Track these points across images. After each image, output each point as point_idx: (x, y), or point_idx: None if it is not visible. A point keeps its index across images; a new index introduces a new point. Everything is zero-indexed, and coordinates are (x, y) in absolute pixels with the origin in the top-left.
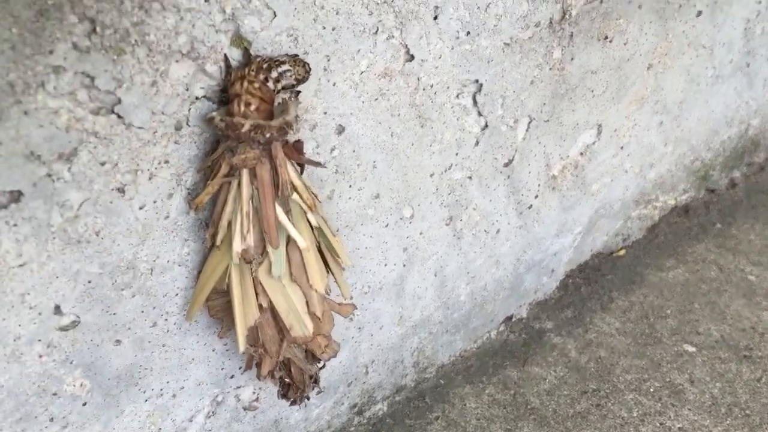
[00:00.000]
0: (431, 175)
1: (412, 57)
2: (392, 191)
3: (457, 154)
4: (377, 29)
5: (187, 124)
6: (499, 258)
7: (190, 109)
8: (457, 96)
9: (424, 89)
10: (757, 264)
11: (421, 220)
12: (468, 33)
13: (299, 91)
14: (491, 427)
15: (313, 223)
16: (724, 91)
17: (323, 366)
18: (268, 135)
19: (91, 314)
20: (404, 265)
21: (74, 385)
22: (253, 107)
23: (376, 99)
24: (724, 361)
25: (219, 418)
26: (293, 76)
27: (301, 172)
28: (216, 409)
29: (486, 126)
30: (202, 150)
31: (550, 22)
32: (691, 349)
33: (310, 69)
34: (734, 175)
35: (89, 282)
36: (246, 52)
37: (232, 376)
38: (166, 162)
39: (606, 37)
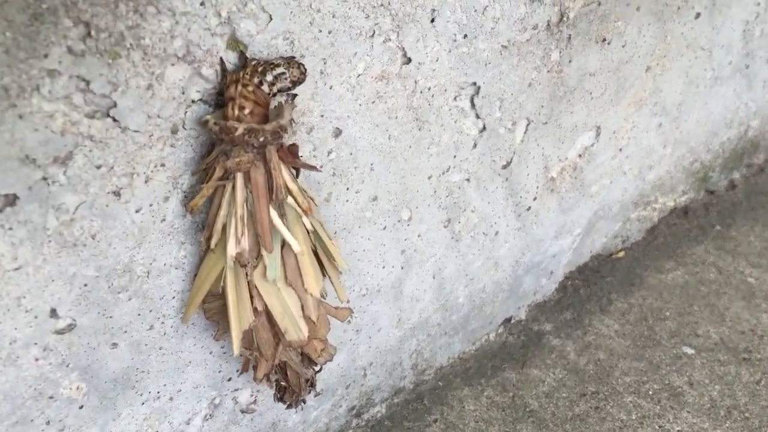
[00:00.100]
0: (429, 178)
1: (409, 60)
2: (390, 194)
3: (455, 156)
4: (374, 32)
5: (183, 127)
6: (498, 260)
7: (186, 112)
8: (455, 98)
9: (421, 92)
10: (757, 266)
11: (419, 223)
12: (465, 36)
13: (296, 94)
14: (490, 429)
15: (309, 226)
16: (723, 92)
17: (320, 369)
18: (262, 139)
19: (88, 317)
20: (402, 268)
21: (71, 388)
22: (247, 111)
23: (373, 102)
24: (723, 363)
25: (216, 420)
26: (288, 79)
27: (297, 176)
28: (213, 412)
29: (484, 128)
30: (198, 153)
31: (548, 25)
32: (690, 351)
33: (305, 71)
34: (734, 177)
35: (85, 285)
36: (242, 55)
37: (229, 379)
38: (162, 165)
39: (604, 40)
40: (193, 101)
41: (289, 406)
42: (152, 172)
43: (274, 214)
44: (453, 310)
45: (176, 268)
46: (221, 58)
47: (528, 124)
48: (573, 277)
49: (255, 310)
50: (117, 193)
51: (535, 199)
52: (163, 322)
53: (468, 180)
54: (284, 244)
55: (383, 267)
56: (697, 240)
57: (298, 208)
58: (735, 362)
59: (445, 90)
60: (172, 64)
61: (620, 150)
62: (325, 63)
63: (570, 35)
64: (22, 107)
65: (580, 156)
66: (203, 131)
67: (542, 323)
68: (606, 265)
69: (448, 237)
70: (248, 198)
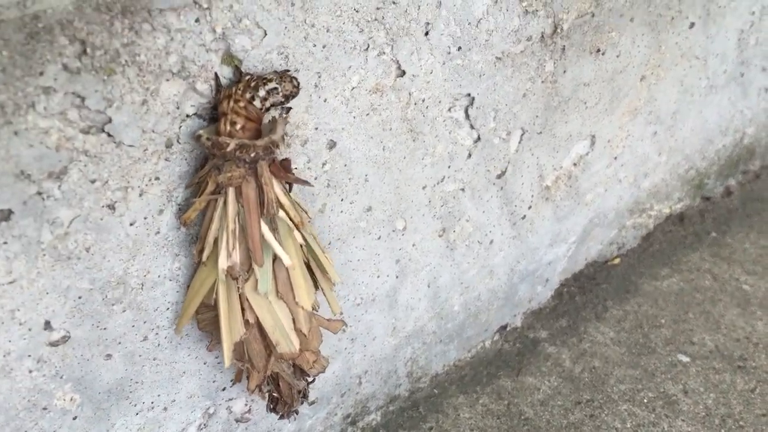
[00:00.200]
0: (424, 188)
1: (404, 72)
2: (384, 204)
3: (449, 166)
4: (368, 46)
5: (178, 141)
6: (493, 268)
7: (180, 126)
8: (449, 110)
9: (415, 104)
10: (752, 273)
11: (413, 232)
12: (459, 48)
13: (290, 108)
14: None
15: (301, 240)
16: (718, 101)
17: (312, 381)
18: (253, 154)
19: (82, 329)
20: (397, 277)
21: (64, 400)
22: (238, 126)
23: (368, 114)
24: (718, 371)
25: (211, 430)
26: (281, 93)
27: (290, 189)
28: (208, 422)
29: (478, 139)
30: (192, 166)
31: (542, 36)
32: (685, 359)
33: (298, 85)
34: (729, 184)
35: (79, 297)
36: (237, 70)
37: (223, 389)
38: (157, 179)
39: (598, 50)
40: (187, 116)
41: (282, 417)
42: (147, 185)
43: (265, 228)
44: (448, 318)
45: (170, 280)
46: (216, 74)
47: (522, 134)
48: (568, 285)
49: (246, 322)
50: (111, 207)
51: (530, 207)
52: (157, 333)
53: (463, 190)
54: (275, 257)
55: (378, 276)
56: (692, 247)
57: (290, 222)
58: (730, 370)
59: (440, 101)
60: (167, 80)
61: (615, 158)
62: (319, 77)
63: (564, 46)
64: (17, 124)
65: (574, 165)
66: (197, 145)
67: (538, 330)
68: (601, 272)
69: (443, 246)
70: (240, 212)
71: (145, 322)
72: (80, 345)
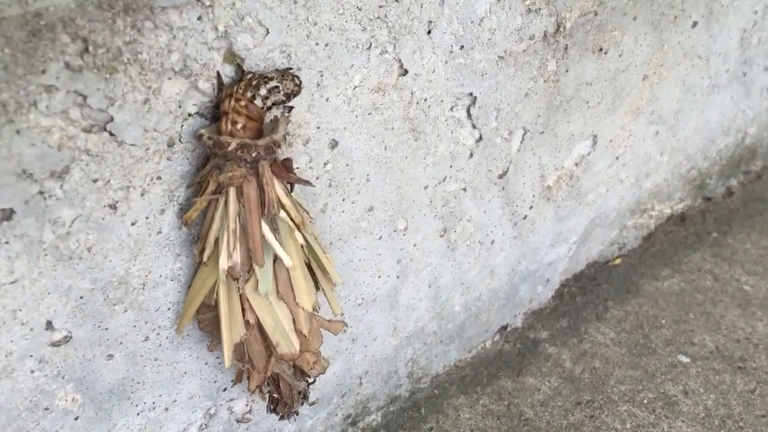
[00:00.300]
0: (425, 188)
1: (406, 71)
2: (386, 204)
3: (451, 166)
4: (370, 44)
5: (180, 140)
6: (494, 268)
7: (182, 125)
8: (451, 109)
9: (417, 103)
10: (753, 274)
11: (414, 232)
12: (462, 47)
13: (292, 107)
14: None
15: (302, 241)
16: (720, 100)
17: (313, 381)
18: (254, 154)
19: (83, 329)
20: (398, 277)
21: (66, 400)
22: (239, 125)
23: (370, 113)
24: (718, 372)
25: (212, 430)
26: (282, 92)
27: (291, 190)
28: (209, 422)
29: (480, 138)
30: (194, 166)
31: (545, 35)
32: (685, 359)
33: (300, 83)
34: (731, 184)
35: (81, 297)
36: (239, 68)
37: (224, 389)
38: (159, 178)
39: (601, 49)
40: (189, 115)
41: (282, 418)
42: (148, 185)
43: (266, 228)
44: (449, 319)
45: (172, 280)
46: (218, 72)
47: (524, 134)
48: (569, 285)
49: (247, 323)
50: (113, 206)
51: (531, 207)
52: (158, 334)
53: (464, 189)
54: (276, 258)
55: (379, 276)
56: (693, 247)
57: (291, 223)
58: (730, 371)
59: (442, 101)
60: (169, 78)
61: (617, 158)
62: (321, 75)
63: (567, 45)
64: (19, 123)
65: (576, 165)
66: (199, 145)
67: (538, 331)
68: (602, 272)
69: (444, 246)
70: (241, 212)
71: (146, 323)
72: (82, 345)
